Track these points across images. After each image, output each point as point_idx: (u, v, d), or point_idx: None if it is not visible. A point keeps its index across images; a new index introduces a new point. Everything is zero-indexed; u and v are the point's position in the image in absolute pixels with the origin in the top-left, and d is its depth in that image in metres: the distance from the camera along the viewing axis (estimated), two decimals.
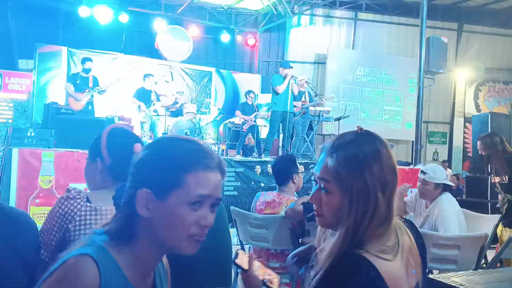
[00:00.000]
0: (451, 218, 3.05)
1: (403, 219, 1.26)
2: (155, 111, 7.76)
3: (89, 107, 7.20)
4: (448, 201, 3.12)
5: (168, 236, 0.98)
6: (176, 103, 8.34)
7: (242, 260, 1.19)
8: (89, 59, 7.41)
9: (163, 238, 0.99)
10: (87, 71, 7.29)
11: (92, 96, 7.22)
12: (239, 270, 1.19)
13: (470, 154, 11.79)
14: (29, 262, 1.25)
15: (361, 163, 1.12)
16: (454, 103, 13.10)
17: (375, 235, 1.11)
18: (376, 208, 1.10)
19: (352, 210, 1.10)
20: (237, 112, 8.79)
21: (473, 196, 6.78)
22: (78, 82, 7.19)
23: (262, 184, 6.15)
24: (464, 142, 12.86)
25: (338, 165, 1.13)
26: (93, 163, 1.58)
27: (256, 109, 8.76)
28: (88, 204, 1.43)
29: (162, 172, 0.98)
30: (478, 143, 4.22)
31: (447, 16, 12.27)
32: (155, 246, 1.01)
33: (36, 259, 1.31)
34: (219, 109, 9.82)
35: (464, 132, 12.89)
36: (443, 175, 3.07)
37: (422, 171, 3.12)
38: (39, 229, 1.41)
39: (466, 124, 12.72)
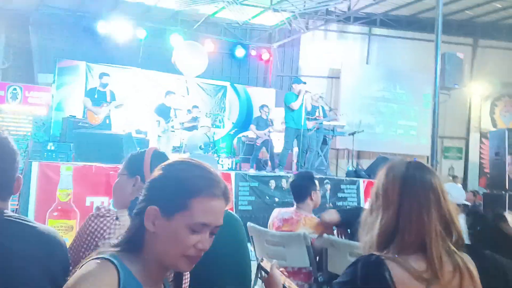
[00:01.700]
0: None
1: (468, 245, 1.32)
2: (172, 126, 7.85)
3: (107, 121, 7.30)
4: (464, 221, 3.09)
5: (166, 252, 1.05)
6: (192, 118, 8.44)
7: (266, 265, 1.30)
8: (106, 74, 7.53)
9: (162, 253, 1.06)
10: (104, 85, 7.41)
11: (109, 111, 7.34)
12: (263, 274, 1.30)
13: (486, 170, 11.61)
14: (59, 281, 1.28)
15: None
16: (469, 118, 12.97)
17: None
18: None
19: None
20: (251, 126, 8.84)
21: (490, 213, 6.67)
22: (96, 96, 7.30)
23: (277, 199, 6.13)
24: (480, 158, 12.68)
25: None
26: (130, 179, 1.61)
27: (270, 123, 8.79)
28: (117, 222, 1.46)
29: (171, 194, 1.06)
30: (509, 157, 4.19)
31: (462, 31, 12.22)
32: (157, 260, 1.07)
33: (65, 278, 1.34)
34: (233, 123, 9.88)
35: (480, 148, 12.72)
36: (463, 195, 3.04)
37: None
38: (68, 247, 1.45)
39: (482, 139, 12.57)
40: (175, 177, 1.08)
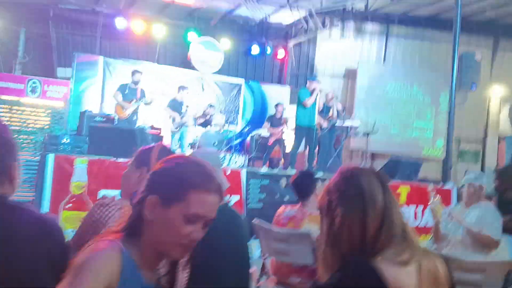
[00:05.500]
0: (494, 218, 3.09)
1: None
2: (185, 122, 7.92)
3: (134, 117, 7.44)
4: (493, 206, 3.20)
5: (162, 240, 1.13)
6: (205, 114, 8.50)
7: None
8: (139, 72, 7.65)
9: (159, 240, 1.14)
10: (136, 82, 7.55)
11: (137, 107, 7.49)
12: None
13: None
14: (57, 263, 1.32)
15: None
16: (487, 121, 12.71)
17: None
18: None
19: None
20: (266, 124, 8.86)
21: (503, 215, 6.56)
22: (126, 92, 7.45)
23: (287, 197, 6.14)
24: (498, 162, 12.43)
25: None
26: (137, 170, 1.67)
27: (285, 122, 8.80)
28: (122, 210, 1.51)
29: (171, 185, 1.15)
30: None
31: (483, 31, 11.97)
32: (153, 247, 1.15)
33: (64, 261, 1.39)
34: (247, 120, 9.91)
35: (498, 151, 12.47)
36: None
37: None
38: (73, 232, 1.50)
39: (501, 142, 12.31)
40: (175, 170, 1.17)
